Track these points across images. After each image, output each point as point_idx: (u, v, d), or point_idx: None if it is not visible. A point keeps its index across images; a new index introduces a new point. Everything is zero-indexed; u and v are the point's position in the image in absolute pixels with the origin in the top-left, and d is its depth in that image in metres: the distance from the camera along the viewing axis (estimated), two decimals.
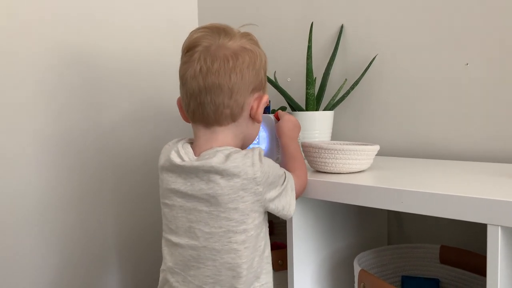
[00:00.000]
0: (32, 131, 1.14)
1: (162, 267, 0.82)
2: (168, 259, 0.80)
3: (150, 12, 1.38)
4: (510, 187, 0.70)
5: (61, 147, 1.19)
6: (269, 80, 1.14)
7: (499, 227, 0.60)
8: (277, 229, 1.24)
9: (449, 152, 1.06)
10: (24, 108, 1.12)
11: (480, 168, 0.90)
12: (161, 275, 0.82)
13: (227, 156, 0.73)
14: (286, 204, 0.78)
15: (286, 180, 0.79)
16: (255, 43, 0.81)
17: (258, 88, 0.80)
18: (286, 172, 0.81)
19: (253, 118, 0.80)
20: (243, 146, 0.82)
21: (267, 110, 1.01)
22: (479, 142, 1.02)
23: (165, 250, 0.81)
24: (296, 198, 0.82)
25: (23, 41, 1.11)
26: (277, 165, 0.80)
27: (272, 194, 0.76)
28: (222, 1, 1.50)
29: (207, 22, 1.48)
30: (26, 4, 1.10)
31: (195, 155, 0.77)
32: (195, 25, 1.52)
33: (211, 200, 0.74)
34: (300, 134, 1.02)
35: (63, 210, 1.20)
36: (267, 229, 0.82)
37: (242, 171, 0.72)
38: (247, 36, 0.81)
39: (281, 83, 1.20)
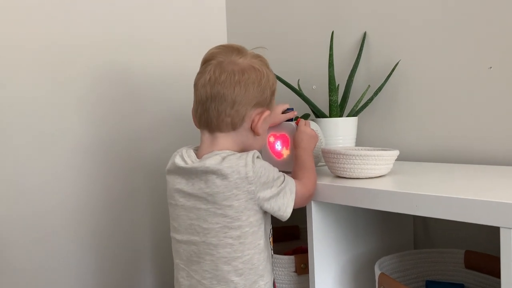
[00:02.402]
0: (74, 139, 1.23)
1: (174, 264, 0.89)
2: (175, 256, 0.87)
3: (182, 32, 1.45)
4: None
5: (99, 154, 1.27)
6: (293, 88, 1.17)
7: None
8: (303, 234, 1.26)
9: (474, 157, 1.05)
10: (66, 119, 1.21)
11: (502, 172, 0.89)
12: (174, 272, 0.89)
13: (224, 158, 0.80)
14: (283, 206, 0.82)
15: (284, 183, 0.83)
16: (265, 64, 0.88)
17: (262, 104, 0.86)
18: (287, 176, 0.85)
19: (253, 130, 0.86)
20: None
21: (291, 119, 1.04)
22: (503, 146, 1.00)
23: (173, 248, 0.88)
24: (300, 205, 0.86)
25: (67, 61, 1.21)
26: (274, 168, 0.84)
27: (266, 193, 0.80)
28: (248, 16, 1.54)
29: (236, 37, 1.55)
30: (70, 30, 1.22)
31: (198, 158, 0.85)
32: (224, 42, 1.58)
33: (208, 198, 0.80)
34: (324, 140, 1.04)
35: (99, 214, 1.27)
36: (268, 231, 0.87)
37: (235, 170, 0.78)
38: (258, 57, 0.88)
39: (305, 91, 1.22)
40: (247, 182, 0.79)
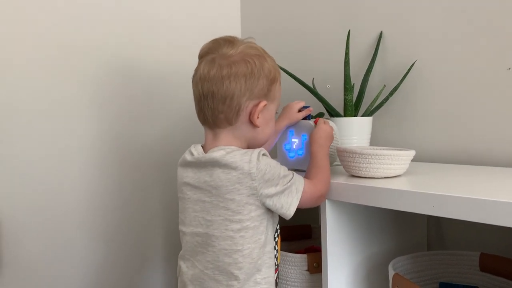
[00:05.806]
0: (86, 137, 1.23)
1: (179, 254, 0.91)
2: (182, 247, 0.89)
3: (195, 29, 1.45)
4: None
5: (111, 152, 1.28)
6: (307, 87, 1.17)
7: None
8: (315, 233, 1.25)
9: (491, 158, 1.04)
10: (77, 117, 1.22)
11: None
12: (178, 263, 0.91)
13: (228, 153, 0.81)
14: (286, 204, 0.82)
15: (291, 182, 0.82)
16: (257, 54, 0.85)
17: (258, 95, 0.84)
18: (296, 175, 0.84)
19: (251, 122, 0.85)
20: (249, 148, 0.86)
21: (308, 117, 1.03)
22: None
23: (180, 240, 0.90)
24: (311, 205, 0.85)
25: (83, 58, 1.22)
26: (281, 166, 0.83)
27: (270, 191, 0.80)
28: (263, 14, 1.54)
29: (250, 34, 1.53)
30: (81, 28, 1.22)
31: (204, 152, 0.85)
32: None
33: (212, 191, 0.81)
34: (339, 139, 1.03)
35: (111, 212, 1.28)
36: (272, 227, 0.86)
37: (239, 166, 0.79)
38: (250, 47, 0.86)
39: (319, 90, 1.22)
40: (250, 178, 0.79)
